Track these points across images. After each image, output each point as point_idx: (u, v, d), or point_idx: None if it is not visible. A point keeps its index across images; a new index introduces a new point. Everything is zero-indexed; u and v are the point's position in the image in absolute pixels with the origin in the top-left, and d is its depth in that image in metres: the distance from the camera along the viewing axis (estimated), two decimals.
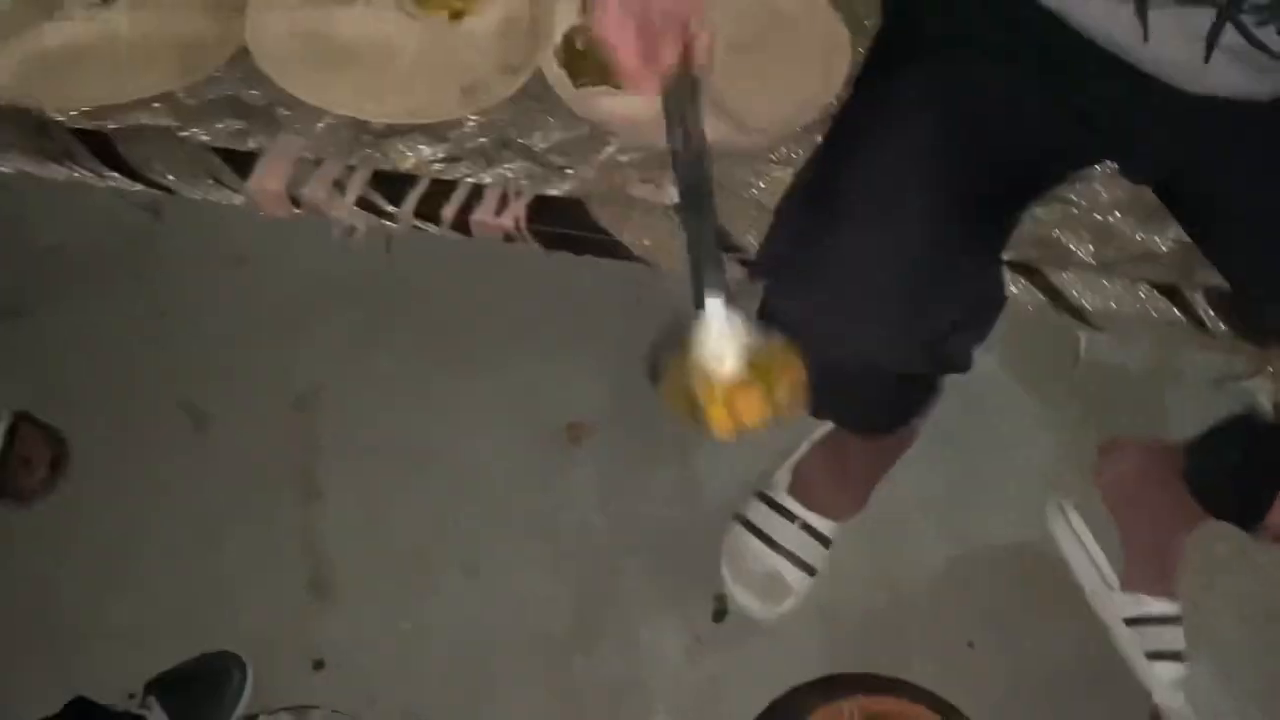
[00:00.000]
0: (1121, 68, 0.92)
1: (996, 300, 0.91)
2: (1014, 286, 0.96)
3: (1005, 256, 0.96)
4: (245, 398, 1.48)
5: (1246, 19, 0.83)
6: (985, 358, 1.37)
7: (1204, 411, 1.24)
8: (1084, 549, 1.32)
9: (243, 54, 1.15)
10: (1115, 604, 1.29)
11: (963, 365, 0.92)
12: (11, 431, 1.43)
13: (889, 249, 0.85)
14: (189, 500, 1.41)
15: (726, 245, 1.00)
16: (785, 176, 1.04)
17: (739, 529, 1.36)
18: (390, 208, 1.05)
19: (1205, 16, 0.83)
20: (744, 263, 1.00)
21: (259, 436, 1.45)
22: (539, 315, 1.50)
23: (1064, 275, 0.96)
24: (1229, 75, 0.87)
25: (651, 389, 1.42)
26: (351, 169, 1.07)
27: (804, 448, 1.36)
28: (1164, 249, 0.99)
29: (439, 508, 1.41)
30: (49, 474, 1.44)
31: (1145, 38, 0.87)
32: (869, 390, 0.95)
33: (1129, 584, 1.29)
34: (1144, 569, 1.29)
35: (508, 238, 1.04)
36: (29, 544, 1.39)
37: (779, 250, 0.92)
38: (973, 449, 1.40)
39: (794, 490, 1.34)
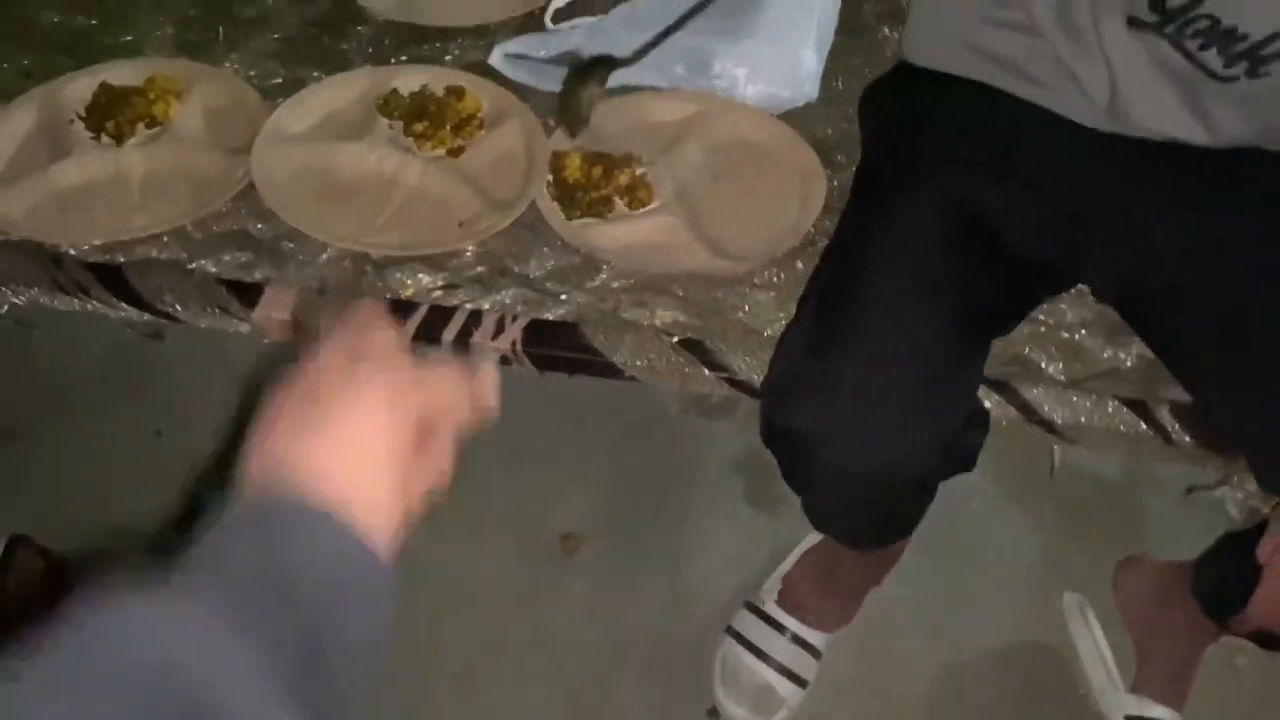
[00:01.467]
0: (1094, 149, 0.99)
1: (984, 412, 0.97)
2: (987, 401, 1.00)
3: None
4: None
5: (1189, 43, 0.90)
6: None
7: (1182, 518, 1.28)
8: (1095, 645, 1.35)
9: (249, 190, 1.21)
10: (1120, 703, 1.31)
11: (972, 462, 0.96)
12: (7, 555, 1.43)
13: (905, 362, 0.90)
14: None
15: (713, 364, 1.05)
16: (769, 300, 1.09)
17: (730, 641, 1.37)
18: None
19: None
20: (731, 382, 1.04)
21: None
22: (531, 428, 1.53)
23: (1035, 391, 1.01)
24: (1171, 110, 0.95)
25: (645, 498, 1.45)
26: (355, 296, 1.11)
27: (794, 556, 1.39)
28: (1129, 364, 1.04)
29: (431, 623, 1.42)
30: (45, 598, 1.44)
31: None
32: (877, 501, 0.99)
33: (1140, 690, 1.32)
34: (1157, 680, 1.32)
35: (504, 360, 1.09)
36: None
37: (793, 369, 0.97)
38: (959, 558, 1.43)
39: (783, 601, 1.36)
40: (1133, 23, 0.93)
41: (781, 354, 0.99)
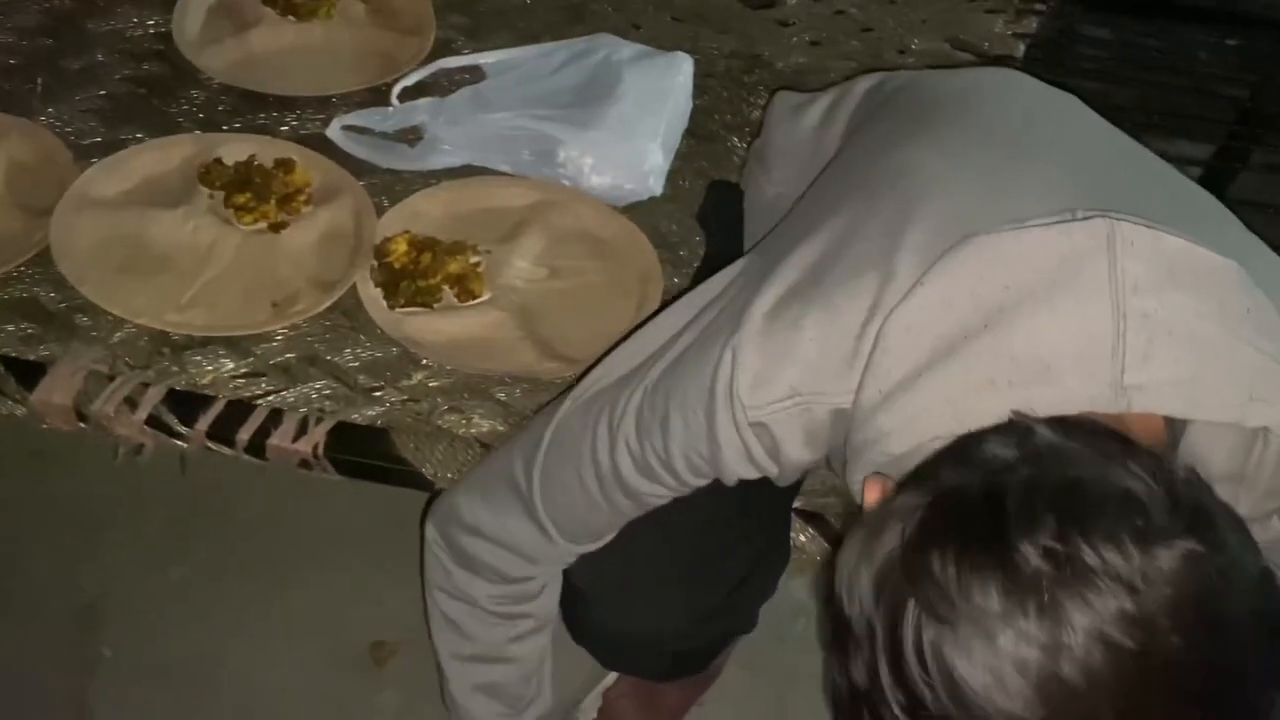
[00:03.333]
0: None
1: (783, 554, 0.93)
2: (802, 535, 0.97)
3: (795, 504, 0.97)
4: (23, 604, 1.37)
5: None
6: (795, 584, 1.38)
7: None
8: None
9: (45, 254, 1.12)
10: None
11: (745, 627, 0.92)
12: None
13: (669, 522, 0.85)
14: None
15: None
16: None
17: None
18: (182, 428, 1.01)
19: None
20: None
21: (34, 648, 1.34)
22: (344, 530, 1.44)
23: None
24: None
25: None
26: (145, 386, 1.03)
27: (615, 673, 1.32)
28: None
29: None
30: None
31: None
32: (660, 653, 0.95)
33: None
34: None
35: (304, 464, 1.01)
36: None
37: None
38: (783, 678, 1.39)
39: None
40: None
41: None
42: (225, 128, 1.28)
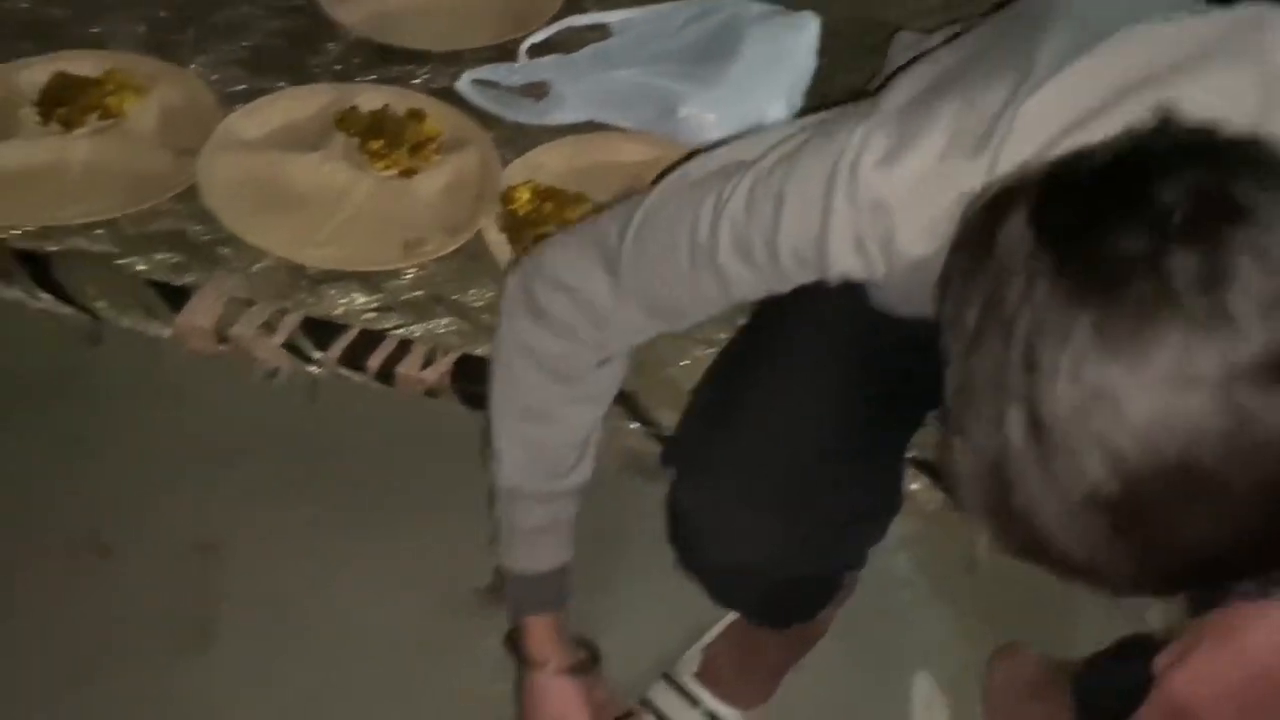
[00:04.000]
0: None
1: (894, 501, 0.93)
2: (915, 484, 0.97)
3: (909, 454, 0.97)
4: (152, 534, 1.44)
5: None
6: (900, 558, 1.37)
7: (1116, 623, 1.23)
8: None
9: (191, 191, 1.17)
10: None
11: (856, 563, 0.92)
12: None
13: (785, 458, 0.86)
14: (77, 635, 1.35)
15: (642, 418, 1.01)
16: (706, 357, 1.05)
17: (643, 713, 1.32)
18: (316, 353, 1.05)
19: None
20: (658, 438, 1.00)
21: (160, 576, 1.41)
22: (460, 476, 1.45)
23: None
24: None
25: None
26: (283, 312, 1.07)
27: (716, 629, 1.34)
28: None
29: (336, 669, 1.35)
30: None
31: None
32: (758, 590, 0.95)
33: None
34: None
35: (430, 392, 1.04)
36: None
37: (686, 443, 0.93)
38: (882, 649, 1.38)
39: (702, 675, 1.31)
40: None
41: (682, 422, 0.95)
42: (359, 79, 1.33)
